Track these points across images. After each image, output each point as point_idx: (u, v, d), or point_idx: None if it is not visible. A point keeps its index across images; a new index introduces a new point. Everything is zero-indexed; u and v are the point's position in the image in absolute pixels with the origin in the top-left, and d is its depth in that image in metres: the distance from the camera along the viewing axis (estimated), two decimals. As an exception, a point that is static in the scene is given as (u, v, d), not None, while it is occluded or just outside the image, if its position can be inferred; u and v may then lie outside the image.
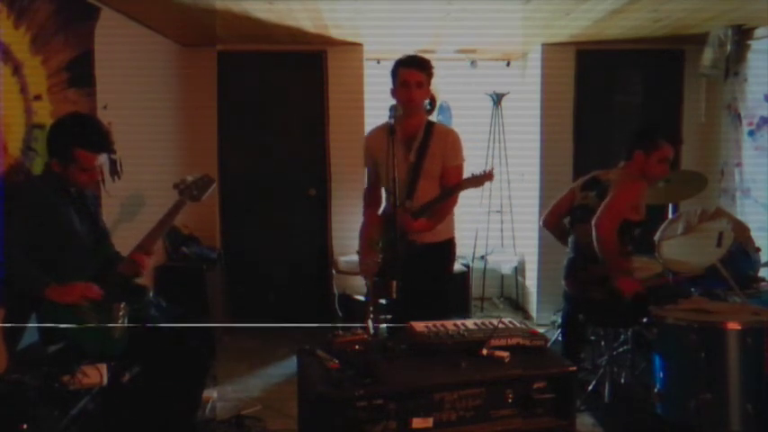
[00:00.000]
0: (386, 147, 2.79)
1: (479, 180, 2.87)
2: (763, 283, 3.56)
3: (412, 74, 2.89)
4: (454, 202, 3.01)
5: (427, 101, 3.01)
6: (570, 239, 3.49)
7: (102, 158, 2.61)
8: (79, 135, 2.54)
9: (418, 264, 2.79)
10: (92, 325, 2.49)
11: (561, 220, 3.56)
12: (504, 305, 5.70)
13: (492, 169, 2.90)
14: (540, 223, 3.68)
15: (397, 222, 2.68)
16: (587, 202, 3.37)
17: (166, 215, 2.78)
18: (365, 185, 3.29)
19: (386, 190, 3.10)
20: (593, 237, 3.17)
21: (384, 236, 2.94)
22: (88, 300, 2.46)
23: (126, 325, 2.57)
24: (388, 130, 2.74)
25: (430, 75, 2.96)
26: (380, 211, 3.18)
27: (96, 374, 2.36)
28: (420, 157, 2.93)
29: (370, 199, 3.22)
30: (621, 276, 3.15)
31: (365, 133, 3.37)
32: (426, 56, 3.08)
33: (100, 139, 2.61)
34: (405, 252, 2.70)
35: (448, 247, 3.08)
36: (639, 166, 3.30)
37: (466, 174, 2.96)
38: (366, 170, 3.23)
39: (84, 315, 2.48)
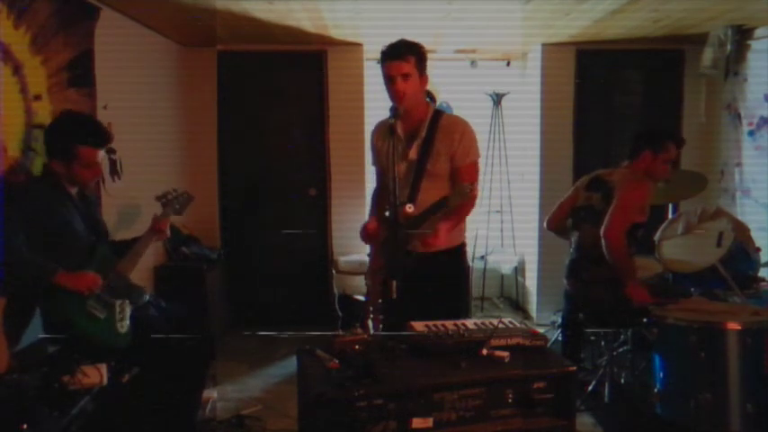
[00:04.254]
0: (387, 144, 2.59)
1: (461, 196, 2.44)
2: (763, 283, 3.56)
3: (394, 66, 2.50)
4: (472, 203, 2.64)
5: (427, 98, 2.83)
6: (573, 239, 3.47)
7: (103, 154, 2.63)
8: (79, 132, 2.56)
9: (427, 273, 2.54)
10: (100, 317, 2.51)
11: (565, 222, 3.54)
12: (504, 305, 5.70)
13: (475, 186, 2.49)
14: (544, 225, 3.66)
15: (399, 232, 2.41)
16: (592, 203, 3.35)
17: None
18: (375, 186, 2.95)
19: (386, 190, 2.72)
20: (603, 245, 3.13)
21: (384, 240, 2.61)
22: (95, 287, 2.48)
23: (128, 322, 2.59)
24: (388, 128, 2.55)
25: (420, 60, 2.55)
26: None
27: (96, 374, 2.36)
28: (423, 156, 2.61)
29: (377, 200, 2.90)
30: (634, 284, 3.13)
31: (365, 133, 3.24)
32: (426, 56, 2.63)
33: (99, 134, 2.63)
34: (409, 260, 2.47)
35: (459, 253, 2.77)
36: (646, 166, 3.28)
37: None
38: (374, 169, 2.93)
39: (89, 308, 2.49)
